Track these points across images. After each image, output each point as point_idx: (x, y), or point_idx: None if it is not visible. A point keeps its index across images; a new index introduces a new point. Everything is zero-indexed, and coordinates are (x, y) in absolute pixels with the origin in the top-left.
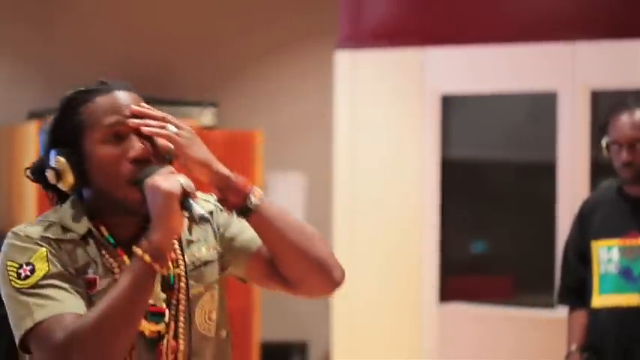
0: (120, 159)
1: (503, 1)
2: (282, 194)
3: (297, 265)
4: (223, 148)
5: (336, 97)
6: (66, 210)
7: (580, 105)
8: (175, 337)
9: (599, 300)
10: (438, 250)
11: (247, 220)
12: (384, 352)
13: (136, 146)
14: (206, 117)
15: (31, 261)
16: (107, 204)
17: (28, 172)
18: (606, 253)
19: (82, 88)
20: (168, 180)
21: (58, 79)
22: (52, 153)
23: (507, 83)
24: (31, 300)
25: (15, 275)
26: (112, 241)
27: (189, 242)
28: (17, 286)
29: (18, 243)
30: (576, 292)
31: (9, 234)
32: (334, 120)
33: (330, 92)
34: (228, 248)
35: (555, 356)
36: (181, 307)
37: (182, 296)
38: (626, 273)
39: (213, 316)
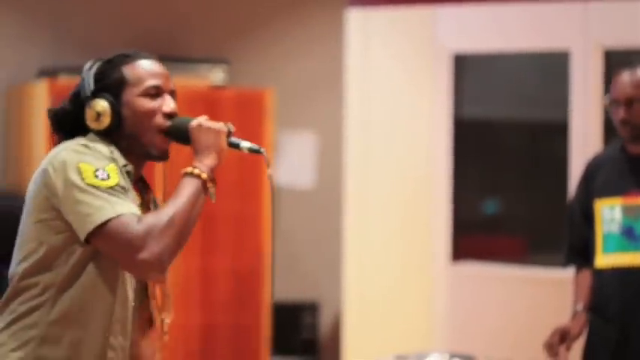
0: (156, 111)
1: None
2: (293, 153)
3: None
4: (234, 107)
5: (347, 56)
6: (99, 143)
7: (592, 64)
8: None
9: (603, 259)
10: (450, 209)
11: None
12: (395, 311)
13: (170, 104)
14: (216, 75)
15: (106, 169)
16: (132, 147)
17: (51, 113)
18: (609, 212)
19: (124, 51)
20: (213, 122)
21: (67, 36)
22: (95, 98)
23: (520, 42)
24: (109, 197)
25: (92, 175)
26: (132, 177)
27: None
28: (96, 184)
29: (90, 152)
30: (582, 252)
31: (73, 145)
32: (345, 79)
33: (341, 51)
34: None
35: (567, 316)
36: None
37: None
38: (628, 232)
39: None
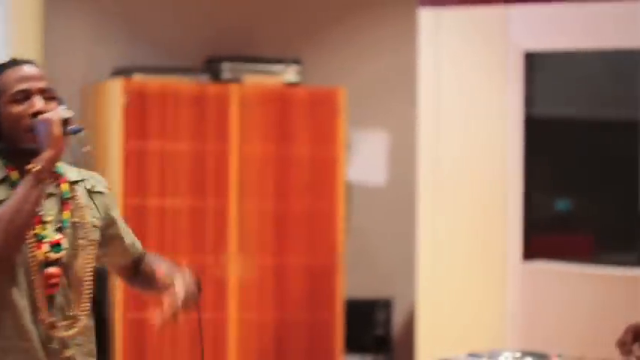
0: (22, 115)
1: None
2: (365, 153)
3: None
4: (307, 105)
5: (420, 55)
6: None
7: None
8: (60, 265)
9: None
10: (522, 208)
11: None
12: (468, 309)
13: (37, 104)
14: (289, 74)
15: None
16: (16, 150)
17: None
18: None
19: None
20: (49, 113)
21: (142, 36)
22: None
23: (591, 40)
24: None
25: None
26: (19, 182)
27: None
28: None
29: None
30: None
31: None
32: (418, 78)
33: (414, 50)
34: (109, 234)
35: (638, 315)
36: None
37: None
38: None
39: (90, 266)
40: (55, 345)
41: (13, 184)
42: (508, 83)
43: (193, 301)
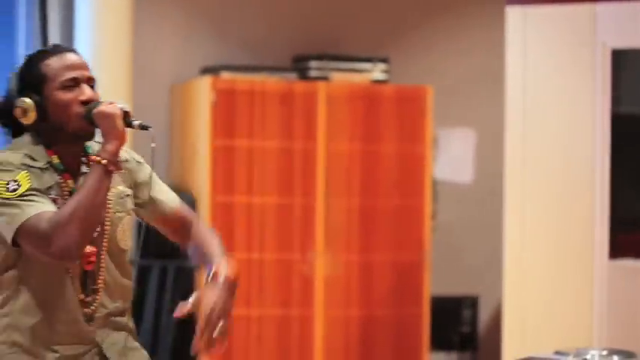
0: (73, 101)
1: None
2: (452, 150)
3: None
4: (394, 103)
5: (507, 53)
6: (27, 143)
7: None
8: (96, 245)
9: None
10: (609, 206)
11: None
12: (554, 306)
13: (87, 92)
14: (377, 72)
15: (17, 178)
16: (60, 135)
17: None
18: None
19: (43, 48)
20: (109, 106)
21: (230, 35)
22: (20, 96)
23: None
24: (21, 204)
25: (4, 189)
26: (61, 167)
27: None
28: (8, 196)
29: (2, 167)
30: None
31: None
32: (506, 76)
33: (500, 48)
34: (145, 198)
35: None
36: (106, 227)
37: (107, 218)
38: None
39: (129, 234)
40: (94, 321)
41: (56, 169)
42: (595, 81)
43: (225, 309)
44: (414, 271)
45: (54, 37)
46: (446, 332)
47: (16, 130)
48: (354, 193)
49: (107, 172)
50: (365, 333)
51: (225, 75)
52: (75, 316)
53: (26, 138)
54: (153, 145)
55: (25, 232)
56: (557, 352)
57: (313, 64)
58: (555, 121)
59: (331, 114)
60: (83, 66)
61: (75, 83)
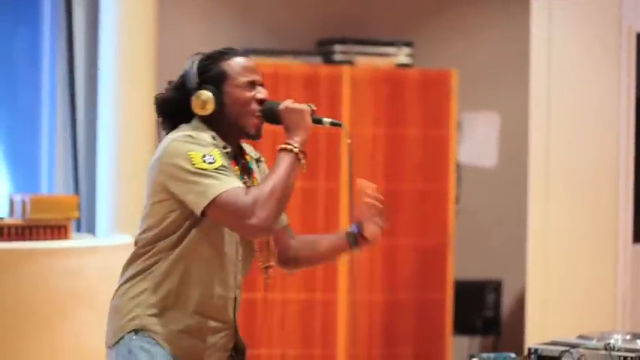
0: (251, 100)
1: None
2: (476, 134)
3: None
4: (418, 87)
5: (532, 37)
6: (202, 129)
7: None
8: None
9: None
10: (633, 190)
11: None
12: (578, 291)
13: (262, 92)
14: (401, 56)
15: (212, 154)
16: (230, 129)
17: (159, 99)
18: None
19: (221, 49)
20: (298, 104)
21: (257, 21)
22: (199, 89)
23: None
24: (218, 176)
25: (201, 160)
26: (232, 154)
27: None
28: (205, 167)
29: (196, 141)
30: None
31: (180, 136)
32: (530, 60)
33: (525, 32)
34: None
35: None
36: None
37: None
38: None
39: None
40: (237, 304)
41: (229, 156)
42: (620, 64)
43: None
44: (438, 255)
45: (79, 19)
46: (469, 316)
47: (178, 120)
48: (379, 177)
49: (298, 159)
50: (388, 317)
51: None
52: (227, 293)
53: (195, 123)
54: (349, 141)
55: (222, 203)
56: (581, 337)
57: (337, 47)
58: (580, 105)
59: (355, 98)
60: (258, 70)
61: (253, 85)
